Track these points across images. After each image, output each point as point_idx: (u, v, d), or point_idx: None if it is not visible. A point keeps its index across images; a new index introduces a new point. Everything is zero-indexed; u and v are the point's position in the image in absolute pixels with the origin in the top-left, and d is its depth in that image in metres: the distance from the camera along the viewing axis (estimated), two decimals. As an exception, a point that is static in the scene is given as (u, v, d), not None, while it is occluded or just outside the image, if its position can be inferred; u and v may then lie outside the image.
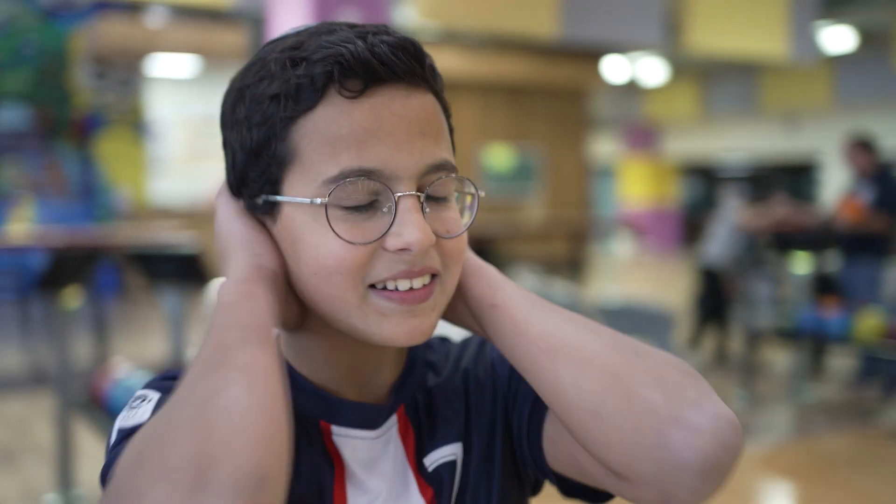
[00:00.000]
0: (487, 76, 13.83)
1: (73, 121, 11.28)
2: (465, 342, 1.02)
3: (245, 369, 0.65)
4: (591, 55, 13.72)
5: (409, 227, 0.77)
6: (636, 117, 19.47)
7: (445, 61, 12.86)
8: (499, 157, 15.22)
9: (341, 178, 0.77)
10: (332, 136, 0.77)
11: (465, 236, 0.85)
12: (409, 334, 0.80)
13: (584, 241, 14.98)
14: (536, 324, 0.82)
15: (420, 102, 0.81)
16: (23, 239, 5.92)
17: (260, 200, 0.84)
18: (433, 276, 0.82)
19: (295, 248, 0.81)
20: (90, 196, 11.34)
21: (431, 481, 0.89)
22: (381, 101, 0.78)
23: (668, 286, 13.16)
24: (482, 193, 0.87)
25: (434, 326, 0.83)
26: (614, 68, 14.05)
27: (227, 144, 0.86)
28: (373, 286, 0.80)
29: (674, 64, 14.55)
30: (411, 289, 0.80)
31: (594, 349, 0.79)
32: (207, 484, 0.57)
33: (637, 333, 4.37)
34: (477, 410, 0.95)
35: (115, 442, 0.77)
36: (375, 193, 0.78)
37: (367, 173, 0.77)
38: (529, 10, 8.60)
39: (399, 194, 0.78)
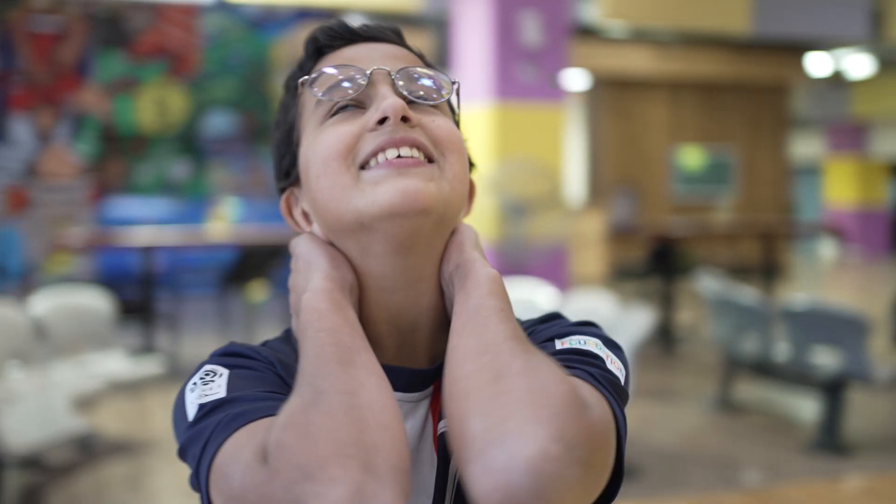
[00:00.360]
0: (677, 74, 13.48)
1: (275, 126, 11.90)
2: (539, 319, 0.98)
3: (371, 371, 0.75)
4: (788, 49, 13.11)
5: (384, 99, 0.86)
6: (841, 115, 18.42)
7: (632, 60, 12.64)
8: (690, 157, 14.80)
9: (328, 82, 0.89)
10: (324, 74, 0.90)
11: (454, 129, 0.90)
12: (401, 193, 0.82)
13: (779, 245, 14.33)
14: (455, 339, 0.80)
15: (398, 48, 0.95)
16: (220, 237, 6.31)
17: (293, 173, 0.94)
18: (430, 161, 0.86)
19: (308, 174, 0.90)
20: (289, 197, 11.91)
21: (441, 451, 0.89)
22: (362, 46, 0.94)
23: (872, 293, 12.38)
24: (456, 81, 0.94)
25: (433, 197, 0.84)
26: (815, 63, 13.36)
27: (273, 157, 1.00)
28: (365, 168, 0.86)
29: (881, 57, 13.66)
30: (399, 157, 0.84)
31: (464, 371, 0.75)
32: (374, 467, 0.66)
33: (823, 340, 4.12)
34: None
35: (196, 417, 0.81)
36: (360, 99, 0.89)
37: (348, 69, 0.89)
38: (720, 6, 8.32)
39: (371, 70, 0.88)
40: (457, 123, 0.98)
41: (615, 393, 0.82)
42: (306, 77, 0.91)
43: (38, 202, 10.60)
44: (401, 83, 0.88)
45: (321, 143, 0.87)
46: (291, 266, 0.93)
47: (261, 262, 4.24)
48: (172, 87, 11.43)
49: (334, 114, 0.89)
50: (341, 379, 0.72)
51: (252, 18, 11.61)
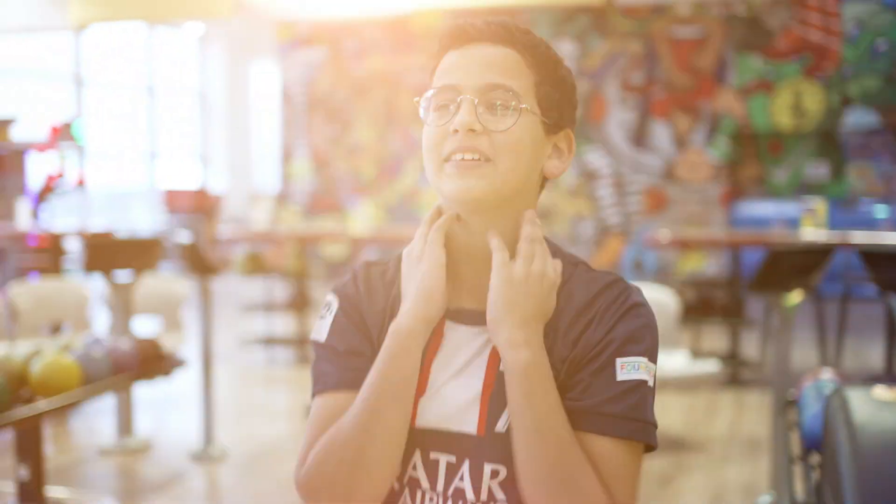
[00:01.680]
0: None
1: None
2: (603, 286, 1.22)
3: (387, 429, 1.16)
4: None
5: (462, 115, 1.18)
6: None
7: None
8: None
9: (434, 89, 1.23)
10: (439, 70, 1.25)
11: (516, 135, 1.19)
12: (458, 189, 1.18)
13: None
14: (518, 461, 1.18)
15: (497, 51, 1.22)
16: (813, 236, 5.96)
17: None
18: (487, 160, 1.17)
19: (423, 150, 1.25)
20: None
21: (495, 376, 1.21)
22: (469, 49, 1.23)
23: None
24: (524, 105, 1.20)
25: (483, 191, 1.17)
26: None
27: None
28: (448, 161, 1.19)
29: None
30: (464, 159, 1.18)
31: (536, 490, 1.13)
32: (351, 498, 1.15)
33: None
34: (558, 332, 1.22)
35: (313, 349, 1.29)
36: (453, 100, 1.20)
37: (447, 86, 1.21)
38: None
39: (461, 97, 1.19)
40: (549, 120, 1.24)
41: (649, 422, 1.17)
42: (418, 98, 1.25)
43: (674, 201, 11.13)
44: (480, 109, 1.18)
45: (425, 136, 1.23)
46: (418, 232, 1.25)
47: (798, 265, 3.92)
48: (809, 85, 11.02)
49: (435, 109, 1.23)
50: (358, 436, 1.15)
51: (901, 3, 10.64)
